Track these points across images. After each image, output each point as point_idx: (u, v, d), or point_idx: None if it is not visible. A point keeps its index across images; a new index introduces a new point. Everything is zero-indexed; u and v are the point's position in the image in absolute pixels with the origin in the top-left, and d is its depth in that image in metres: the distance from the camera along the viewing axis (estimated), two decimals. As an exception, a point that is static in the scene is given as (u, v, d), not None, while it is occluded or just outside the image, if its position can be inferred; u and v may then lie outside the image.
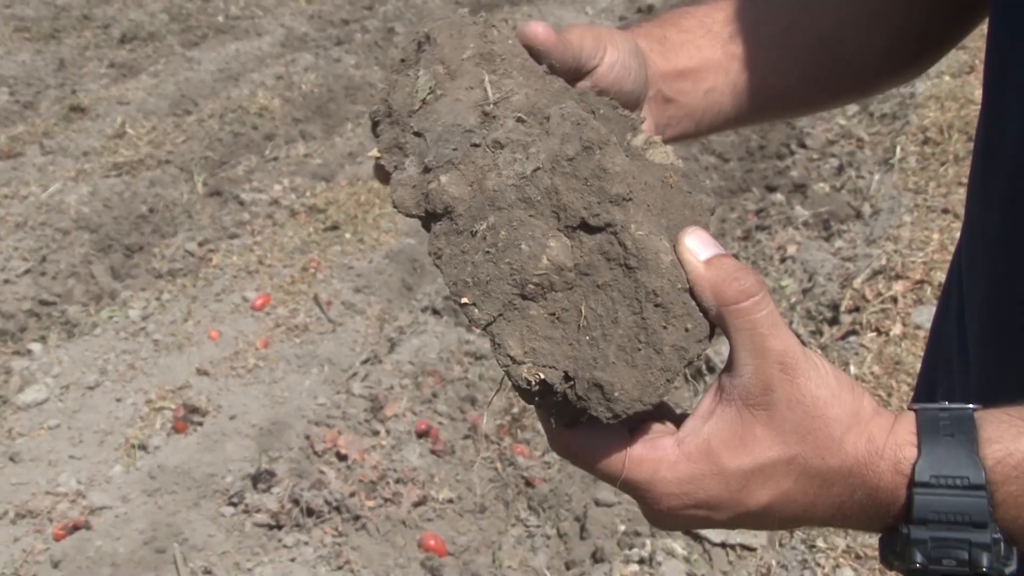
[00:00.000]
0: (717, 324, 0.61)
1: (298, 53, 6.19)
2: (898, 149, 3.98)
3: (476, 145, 0.63)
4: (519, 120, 0.63)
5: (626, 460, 0.61)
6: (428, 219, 0.64)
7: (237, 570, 2.61)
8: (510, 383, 0.61)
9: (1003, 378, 0.78)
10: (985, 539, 0.57)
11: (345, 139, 5.03)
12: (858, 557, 2.42)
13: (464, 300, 0.61)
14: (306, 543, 2.68)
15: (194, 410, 3.13)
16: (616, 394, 0.59)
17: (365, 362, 3.34)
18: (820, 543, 2.48)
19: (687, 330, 0.61)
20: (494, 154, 0.62)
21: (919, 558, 0.58)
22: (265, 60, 6.18)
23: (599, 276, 0.60)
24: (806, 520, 0.64)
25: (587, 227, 0.60)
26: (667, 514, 0.62)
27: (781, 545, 2.56)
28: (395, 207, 0.65)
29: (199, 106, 5.52)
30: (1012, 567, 0.58)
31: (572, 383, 0.60)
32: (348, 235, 4.12)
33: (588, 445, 0.62)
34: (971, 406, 0.61)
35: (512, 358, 0.60)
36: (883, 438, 0.60)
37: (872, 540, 2.44)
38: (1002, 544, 0.58)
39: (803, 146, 4.31)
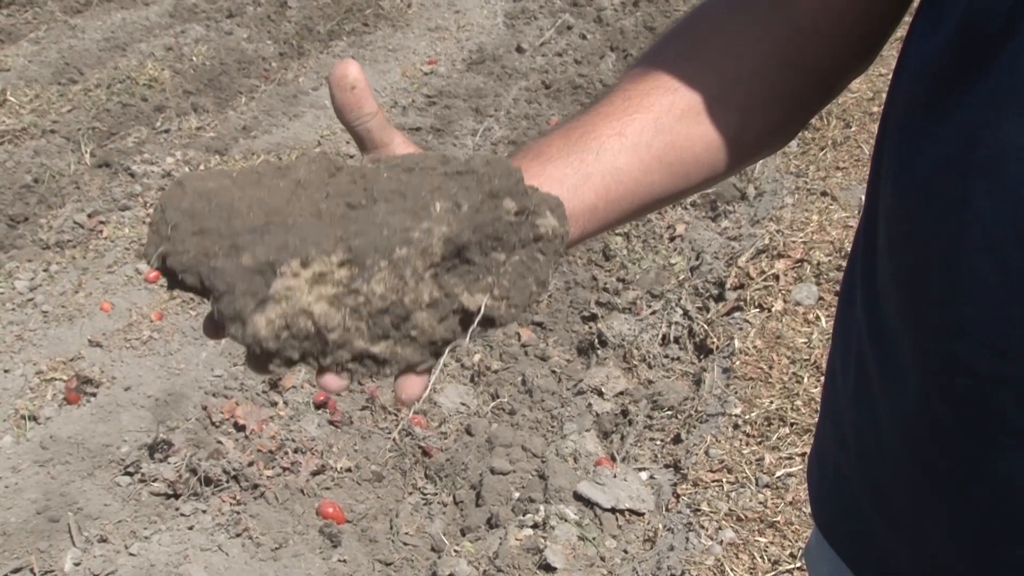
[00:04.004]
0: None
1: (188, 24, 6.09)
2: (781, 135, 4.15)
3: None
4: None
5: None
6: None
7: (134, 538, 2.61)
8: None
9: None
10: None
11: (239, 113, 4.98)
12: (739, 519, 2.55)
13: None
14: (204, 511, 2.70)
15: (87, 381, 3.10)
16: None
17: (262, 334, 3.35)
18: (705, 507, 2.60)
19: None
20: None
21: None
22: (153, 30, 6.06)
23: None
24: None
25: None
26: None
27: (668, 510, 2.68)
28: None
29: (84, 75, 5.39)
30: None
31: None
32: (243, 209, 4.09)
33: None
34: None
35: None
36: None
37: (752, 503, 2.58)
38: None
39: (691, 130, 4.46)
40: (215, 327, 0.75)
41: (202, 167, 4.38)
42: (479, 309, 0.73)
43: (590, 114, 0.91)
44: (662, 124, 0.89)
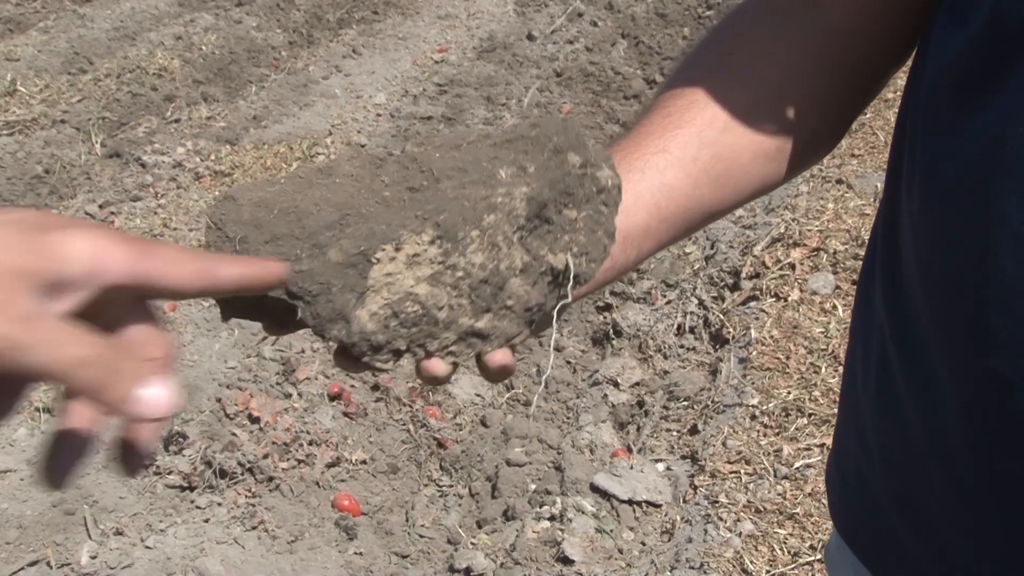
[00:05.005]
0: None
1: (197, 13, 6.06)
2: (795, 122, 4.12)
3: None
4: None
5: None
6: None
7: (149, 531, 2.61)
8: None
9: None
10: None
11: (249, 102, 4.97)
12: (758, 511, 2.53)
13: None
14: (219, 504, 2.69)
15: (101, 373, 3.08)
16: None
17: (275, 325, 3.33)
18: (723, 499, 2.59)
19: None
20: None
21: None
22: (162, 19, 6.04)
23: None
24: None
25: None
26: None
27: (685, 501, 2.66)
28: None
29: (94, 65, 5.37)
30: None
31: None
32: (254, 199, 4.08)
33: None
34: None
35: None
36: None
37: (771, 495, 2.56)
38: None
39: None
40: (337, 349, 0.72)
41: (213, 157, 4.36)
42: (566, 266, 0.72)
43: (630, 135, 0.89)
44: (706, 137, 0.87)
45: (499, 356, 0.74)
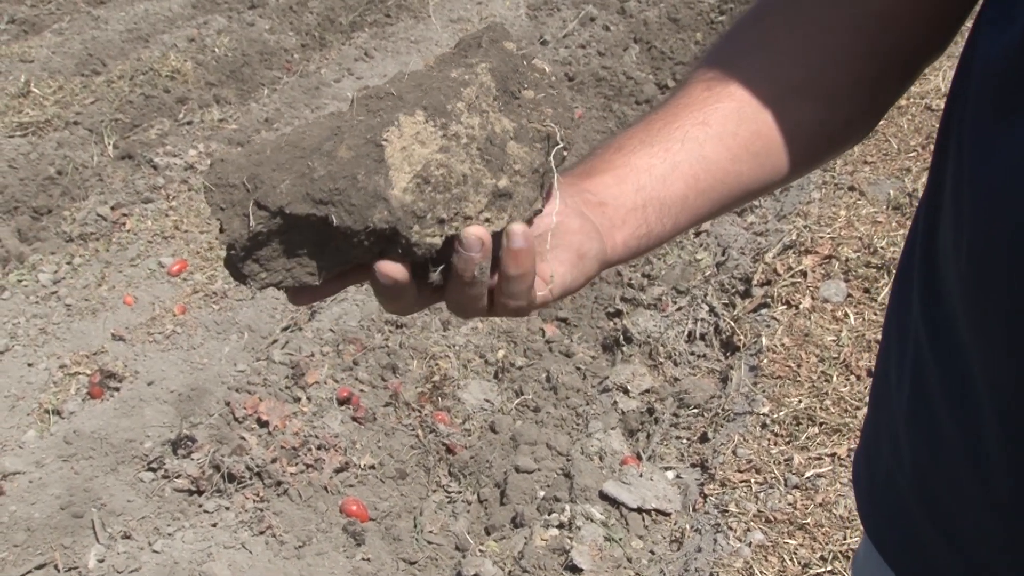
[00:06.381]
0: None
1: (210, 15, 6.07)
2: (808, 129, 4.09)
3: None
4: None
5: None
6: None
7: (157, 535, 2.60)
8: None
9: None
10: None
11: (261, 105, 4.97)
12: (768, 521, 2.52)
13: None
14: (227, 508, 2.68)
15: (110, 375, 3.09)
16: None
17: (285, 329, 3.34)
18: (732, 508, 2.57)
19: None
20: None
21: None
22: (176, 21, 6.05)
23: None
24: None
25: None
26: None
27: (695, 510, 2.65)
28: None
29: (107, 67, 5.38)
30: None
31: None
32: (265, 202, 4.08)
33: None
34: None
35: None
36: None
37: (781, 504, 2.54)
38: None
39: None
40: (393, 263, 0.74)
41: (225, 160, 4.36)
42: (549, 128, 0.77)
43: (669, 105, 0.90)
44: (746, 113, 0.87)
45: (519, 226, 0.76)
